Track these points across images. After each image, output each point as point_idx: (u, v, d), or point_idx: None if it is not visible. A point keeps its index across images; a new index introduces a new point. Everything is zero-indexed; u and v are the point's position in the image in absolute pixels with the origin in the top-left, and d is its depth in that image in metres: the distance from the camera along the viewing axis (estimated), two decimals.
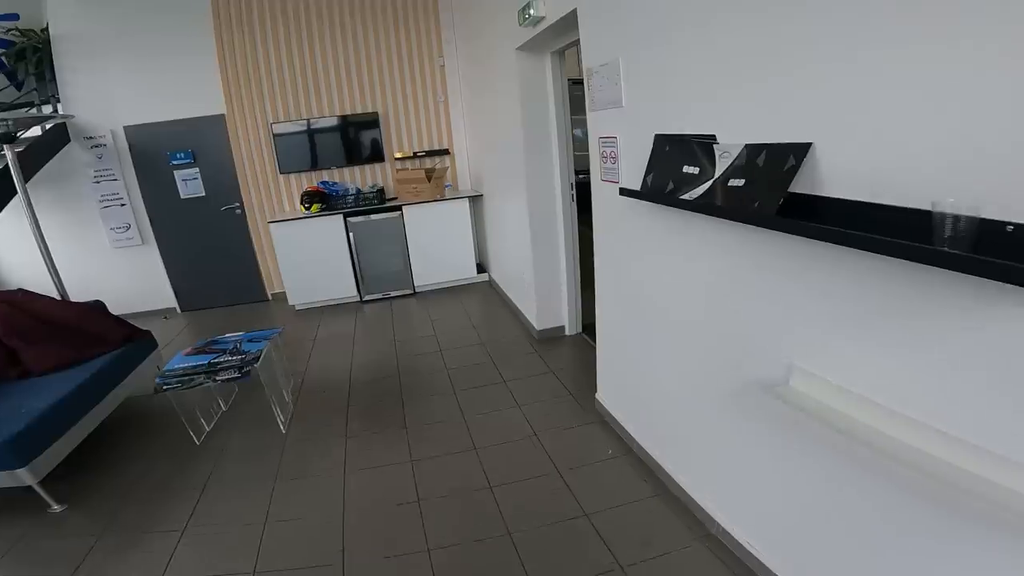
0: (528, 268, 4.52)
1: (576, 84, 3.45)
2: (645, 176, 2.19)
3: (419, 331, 5.11)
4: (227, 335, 3.89)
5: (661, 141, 2.12)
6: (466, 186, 6.48)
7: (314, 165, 6.05)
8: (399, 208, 5.74)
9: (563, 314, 4.60)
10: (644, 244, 2.46)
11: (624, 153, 2.49)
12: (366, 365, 4.49)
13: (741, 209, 1.63)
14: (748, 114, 1.68)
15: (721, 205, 1.73)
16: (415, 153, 6.21)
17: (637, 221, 2.47)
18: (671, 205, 2.02)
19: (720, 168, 1.76)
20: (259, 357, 3.42)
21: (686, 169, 1.93)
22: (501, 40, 4.17)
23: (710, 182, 1.80)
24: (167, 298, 6.40)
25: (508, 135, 4.43)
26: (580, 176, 4.07)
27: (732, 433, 2.05)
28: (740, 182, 1.66)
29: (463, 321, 5.24)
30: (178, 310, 6.46)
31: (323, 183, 5.82)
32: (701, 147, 1.87)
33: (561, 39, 3.59)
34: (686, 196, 1.90)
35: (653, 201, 2.13)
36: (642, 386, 2.77)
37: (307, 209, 5.66)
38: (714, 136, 1.82)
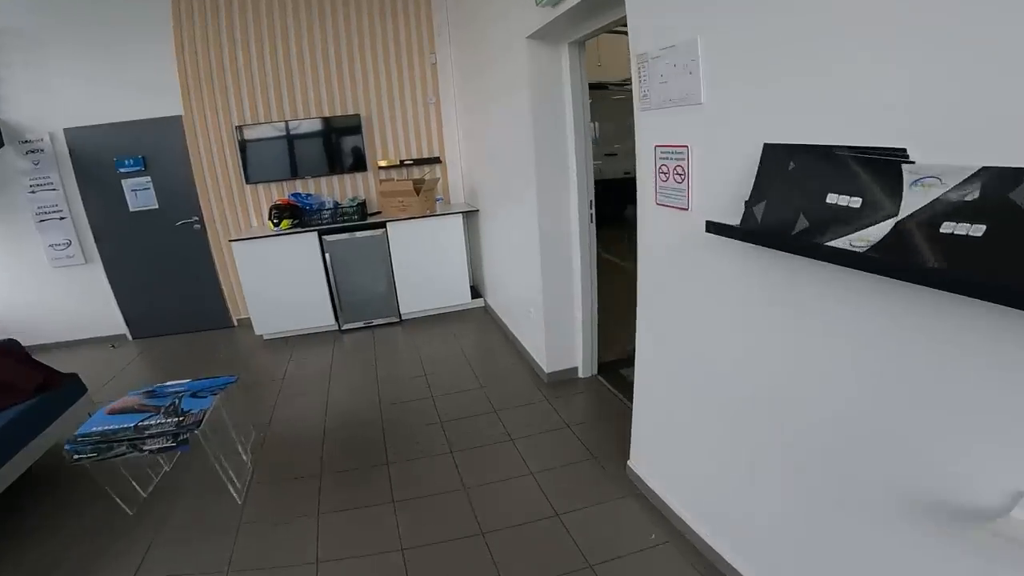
0: (536, 301, 3.81)
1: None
2: (749, 206, 1.48)
3: (406, 369, 4.37)
4: (168, 384, 3.14)
5: (778, 153, 1.42)
6: (459, 200, 5.75)
7: (286, 175, 5.28)
8: (383, 225, 4.99)
9: (577, 353, 3.90)
10: (738, 307, 1.75)
11: (700, 169, 1.79)
12: (343, 414, 3.75)
13: (982, 278, 0.93)
14: (987, 110, 0.98)
15: (926, 264, 1.03)
16: (402, 162, 5.47)
17: (723, 269, 1.76)
18: (805, 254, 1.31)
19: (913, 202, 1.07)
20: (201, 420, 2.67)
21: (834, 199, 1.23)
22: (507, 27, 3.47)
23: (888, 223, 1.11)
24: (116, 324, 5.59)
25: (513, 143, 3.73)
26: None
27: (883, 556, 1.35)
28: (973, 230, 0.97)
29: (457, 357, 4.51)
30: (129, 337, 5.65)
31: (295, 195, 5.06)
32: (869, 166, 1.17)
33: (586, 24, 2.90)
34: (836, 243, 1.20)
35: (767, 245, 1.43)
36: (701, 463, 2.07)
37: (276, 225, 4.89)
38: (903, 150, 1.12)
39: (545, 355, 3.87)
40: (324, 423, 3.63)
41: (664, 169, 1.96)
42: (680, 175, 1.87)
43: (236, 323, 5.72)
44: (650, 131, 2.03)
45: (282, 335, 5.24)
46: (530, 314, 4.04)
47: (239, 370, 4.63)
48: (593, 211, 3.55)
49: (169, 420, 2.67)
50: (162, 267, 5.48)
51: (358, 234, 4.98)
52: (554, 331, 3.81)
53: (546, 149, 3.40)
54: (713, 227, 1.61)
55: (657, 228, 2.11)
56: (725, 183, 1.64)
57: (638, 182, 2.19)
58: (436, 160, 5.56)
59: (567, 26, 2.96)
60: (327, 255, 4.97)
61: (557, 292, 3.71)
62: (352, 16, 5.18)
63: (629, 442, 2.76)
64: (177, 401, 2.89)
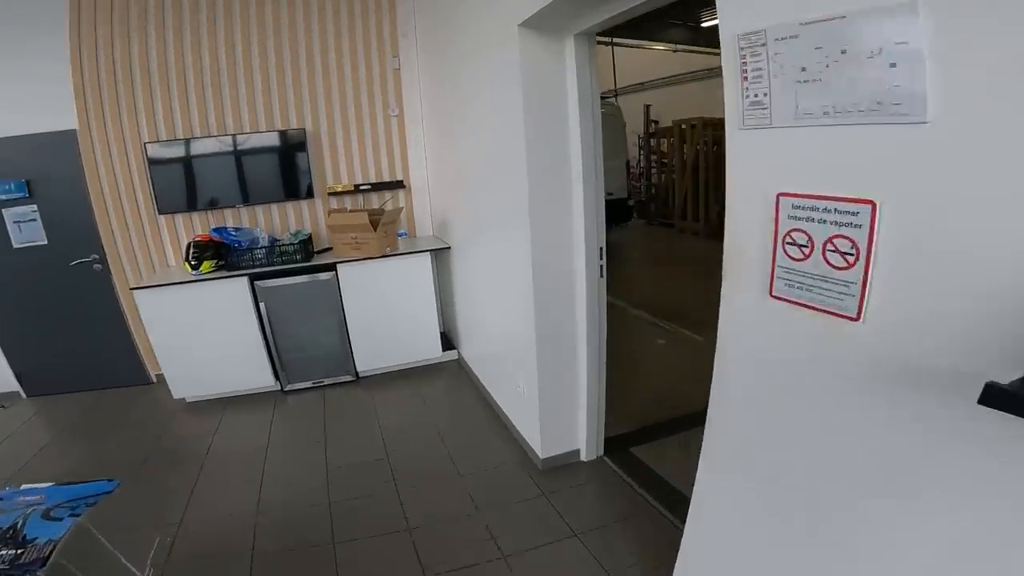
0: (527, 369, 2.91)
1: None
2: None
3: (363, 446, 3.43)
4: (23, 489, 2.10)
5: None
6: (427, 232, 4.80)
7: (210, 203, 4.26)
8: (332, 267, 4.01)
9: (579, 432, 3.03)
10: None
11: (899, 248, 0.89)
12: (281, 510, 2.85)
13: None
14: None
15: None
16: (357, 187, 4.50)
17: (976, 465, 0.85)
18: None
19: None
20: (47, 557, 1.65)
21: None
22: (493, 14, 2.57)
23: None
24: (4, 380, 4.47)
25: (499, 165, 2.83)
26: None
27: None
28: None
29: (427, 429, 3.57)
30: (22, 395, 4.54)
31: (220, 230, 4.02)
32: None
33: (599, 8, 2.02)
34: None
35: None
36: None
37: (195, 268, 3.87)
38: None
39: (540, 437, 2.97)
40: (255, 524, 2.72)
41: (796, 238, 1.06)
42: (849, 255, 0.97)
43: (155, 379, 4.64)
44: (767, 166, 1.13)
45: (209, 397, 4.20)
46: (519, 390, 3.12)
47: (150, 441, 3.67)
48: (604, 261, 2.65)
49: (5, 552, 1.64)
50: (58, 314, 4.38)
51: (301, 278, 3.98)
52: (551, 408, 2.91)
53: (544, 173, 2.51)
54: (1000, 396, 0.70)
55: (771, 336, 1.20)
56: (966, 285, 0.75)
57: (728, 249, 1.29)
58: (399, 185, 4.61)
59: (573, 11, 2.08)
60: (261, 304, 3.95)
61: (555, 356, 2.81)
62: (298, 14, 4.22)
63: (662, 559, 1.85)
64: (20, 523, 1.86)
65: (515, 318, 2.97)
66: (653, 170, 11.59)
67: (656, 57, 14.71)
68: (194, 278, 3.85)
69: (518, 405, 3.25)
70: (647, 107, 14.73)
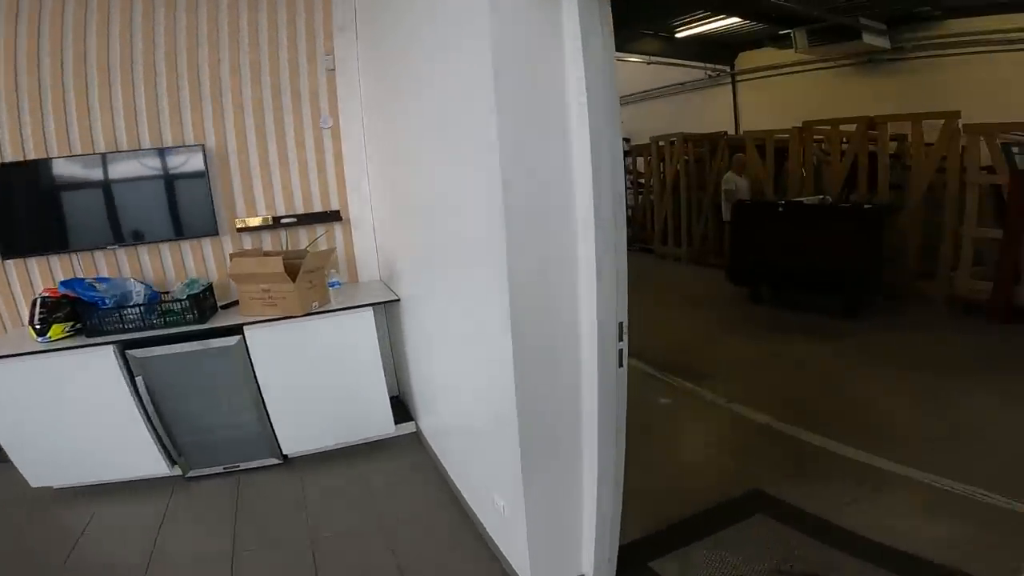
0: (507, 478, 1.94)
1: None
2: None
3: (285, 562, 2.47)
4: None
5: None
6: (371, 274, 3.79)
7: (75, 244, 3.18)
8: (237, 329, 2.97)
9: (584, 551, 2.10)
10: None
11: None
12: None
13: None
14: None
15: None
16: (277, 220, 3.48)
17: None
18: None
19: None
20: None
21: None
22: None
23: None
24: None
25: (458, 195, 1.88)
26: None
27: None
28: None
29: (371, 535, 2.62)
30: None
31: (71, 283, 2.90)
32: None
33: None
34: None
35: None
36: None
37: (41, 334, 2.79)
38: None
39: (528, 562, 1.99)
40: None
41: None
42: None
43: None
44: None
45: (83, 484, 3.11)
46: (498, 507, 2.15)
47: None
48: (625, 343, 1.71)
49: None
50: None
51: (193, 345, 2.93)
52: (544, 525, 1.94)
53: (530, 214, 1.57)
54: None
55: None
56: None
57: None
58: (334, 217, 3.61)
59: None
60: (138, 379, 2.89)
61: (548, 458, 1.85)
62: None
63: None
64: None
65: (490, 411, 2.01)
66: (629, 190, 10.87)
67: (628, 71, 14.14)
68: (41, 347, 2.77)
69: (499, 522, 2.28)
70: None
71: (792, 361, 4.50)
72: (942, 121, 5.45)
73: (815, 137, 6.80)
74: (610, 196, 1.61)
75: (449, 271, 2.27)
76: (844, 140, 6.39)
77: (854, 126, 6.13)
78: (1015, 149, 5.00)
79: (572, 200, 1.64)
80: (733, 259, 6.36)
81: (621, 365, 1.72)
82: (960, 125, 5.36)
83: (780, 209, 5.75)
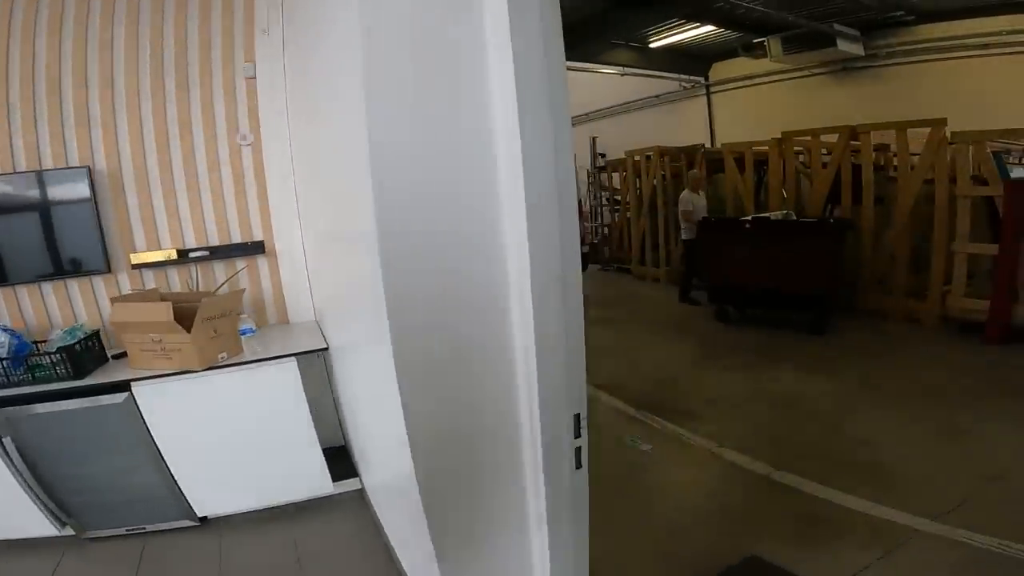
0: None
1: None
2: None
3: None
4: None
5: None
6: (304, 315, 3.27)
7: None
8: (124, 386, 2.44)
9: None
10: None
11: None
12: None
13: None
14: None
15: None
16: (184, 253, 2.96)
17: None
18: None
19: None
20: None
21: None
22: None
23: None
24: None
25: (344, 210, 1.41)
26: None
27: None
28: None
29: None
30: None
31: None
32: None
33: None
34: None
35: None
36: None
37: None
38: None
39: None
40: None
41: None
42: None
43: None
44: None
45: None
46: None
47: None
48: (583, 438, 1.24)
49: None
50: None
51: (70, 403, 2.40)
52: None
53: (418, 236, 1.11)
54: None
55: None
56: None
57: None
58: (257, 248, 3.10)
59: None
60: (5, 440, 2.35)
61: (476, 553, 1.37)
62: None
63: None
64: None
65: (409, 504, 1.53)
66: (605, 207, 10.51)
67: (601, 84, 13.87)
68: None
69: None
70: (593, 139, 13.82)
71: (781, 395, 4.09)
72: (928, 129, 5.15)
73: (795, 149, 6.48)
74: (556, 226, 1.16)
75: (350, 320, 1.79)
76: (825, 151, 6.08)
77: (836, 136, 5.82)
78: (1008, 158, 4.70)
79: (495, 220, 1.17)
80: (686, 279, 6.60)
81: (580, 466, 1.24)
82: (947, 133, 5.06)
83: (747, 226, 5.56)
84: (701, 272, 6.35)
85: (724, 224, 6.00)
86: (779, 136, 6.28)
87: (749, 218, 5.78)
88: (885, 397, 3.88)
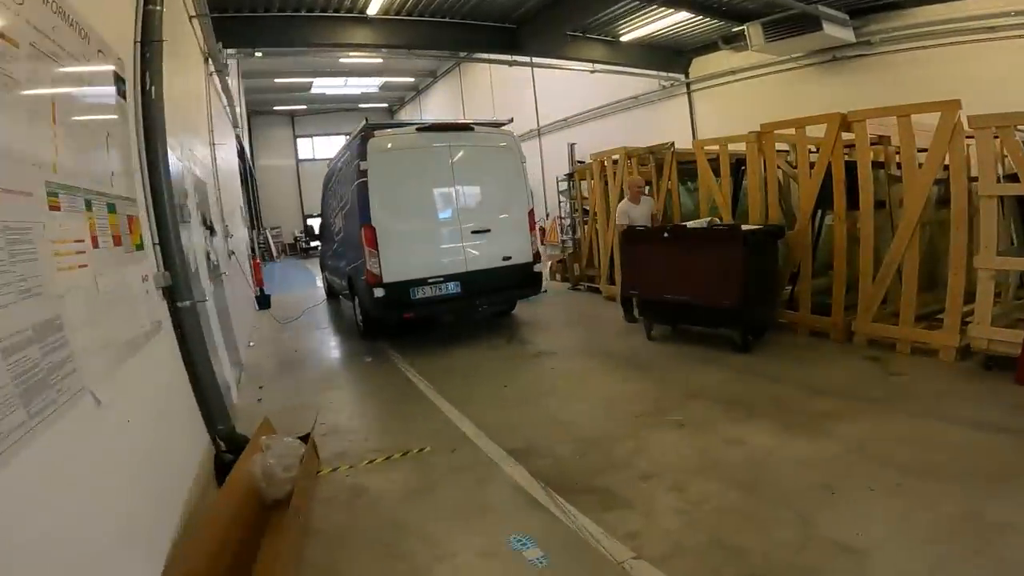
0: None
1: None
2: None
3: None
4: None
5: None
6: None
7: None
8: None
9: None
10: None
11: None
12: None
13: None
14: None
15: None
16: None
17: None
18: None
19: None
20: None
21: None
22: None
23: None
24: None
25: None
26: None
27: None
28: None
29: None
30: None
31: None
32: None
33: None
34: None
35: None
36: None
37: None
38: None
39: None
40: None
41: None
42: None
43: None
44: None
45: None
46: None
47: None
48: None
49: None
50: None
51: None
52: None
53: None
54: None
55: None
56: None
57: None
58: None
59: None
60: None
61: None
62: None
63: None
64: None
65: None
66: (575, 215, 9.50)
67: (578, 88, 12.98)
68: None
69: None
70: (571, 146, 12.87)
71: (744, 462, 3.01)
72: (937, 114, 4.12)
73: (778, 146, 5.46)
74: None
75: None
76: (814, 148, 5.08)
77: (824, 127, 4.81)
78: None
79: None
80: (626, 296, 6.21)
81: None
82: (962, 119, 4.03)
83: (665, 235, 5.26)
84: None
85: (645, 235, 5.57)
86: (758, 130, 5.27)
87: (669, 227, 5.56)
88: (885, 470, 2.81)
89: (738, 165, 5.69)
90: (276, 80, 18.31)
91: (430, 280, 5.61)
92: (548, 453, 3.32)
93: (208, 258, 5.07)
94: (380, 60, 14.01)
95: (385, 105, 24.89)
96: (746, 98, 9.53)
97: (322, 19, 7.72)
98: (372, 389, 5.00)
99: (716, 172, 5.88)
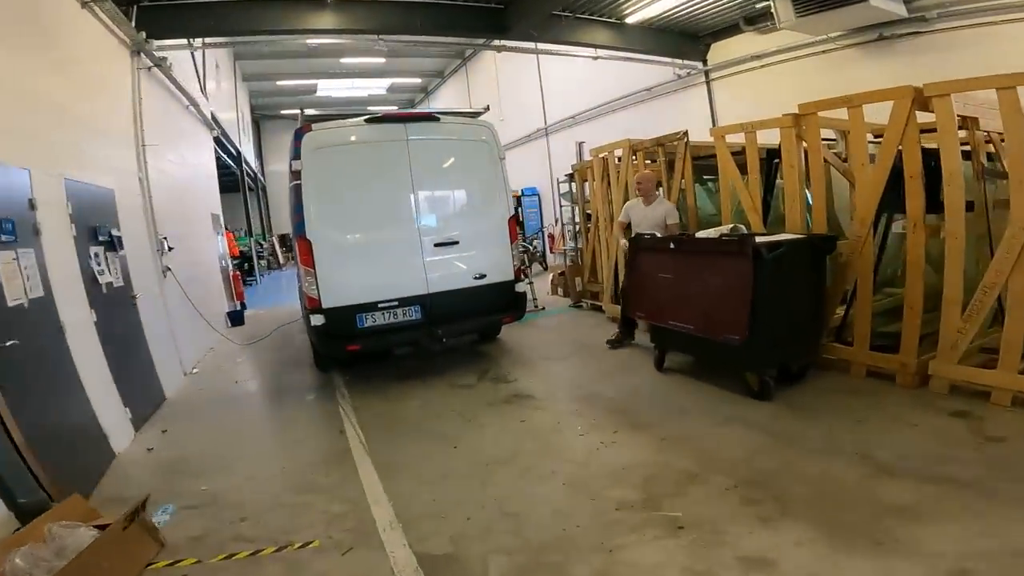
0: None
1: None
2: None
3: None
4: None
5: None
6: None
7: None
8: None
9: None
10: None
11: None
12: None
13: None
14: None
15: None
16: None
17: None
18: None
19: None
20: None
21: None
22: None
23: None
24: None
25: None
26: None
27: None
28: None
29: None
30: None
31: None
32: None
33: None
34: None
35: None
36: None
37: None
38: None
39: None
40: None
41: None
42: None
43: None
44: None
45: None
46: None
47: None
48: None
49: None
50: None
51: None
52: None
53: None
54: None
55: None
56: None
57: None
58: None
59: None
60: None
61: None
62: None
63: None
64: None
65: None
66: (578, 226, 8.36)
67: (584, 82, 11.86)
68: None
69: None
70: (579, 144, 11.79)
71: None
72: None
73: (824, 136, 4.25)
74: None
75: None
76: (874, 137, 3.88)
77: (885, 109, 3.60)
78: None
79: None
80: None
81: None
82: None
83: (672, 246, 4.27)
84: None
85: (650, 244, 4.55)
86: (795, 112, 4.06)
87: (681, 236, 4.57)
88: None
89: (770, 158, 4.49)
90: (279, 83, 17.79)
91: (381, 305, 4.51)
92: (476, 569, 2.21)
93: (96, 279, 4.06)
94: (376, 59, 13.23)
95: (395, 108, 24.10)
96: (775, 86, 8.25)
97: (271, 4, 6.72)
98: (292, 442, 3.96)
99: (742, 169, 4.69)
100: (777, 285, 3.45)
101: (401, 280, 4.59)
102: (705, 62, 9.45)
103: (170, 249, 6.23)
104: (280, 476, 3.34)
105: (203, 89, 9.99)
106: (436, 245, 4.68)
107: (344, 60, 15.65)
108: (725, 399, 3.81)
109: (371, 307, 4.49)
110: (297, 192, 4.41)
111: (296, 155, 4.39)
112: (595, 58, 9.05)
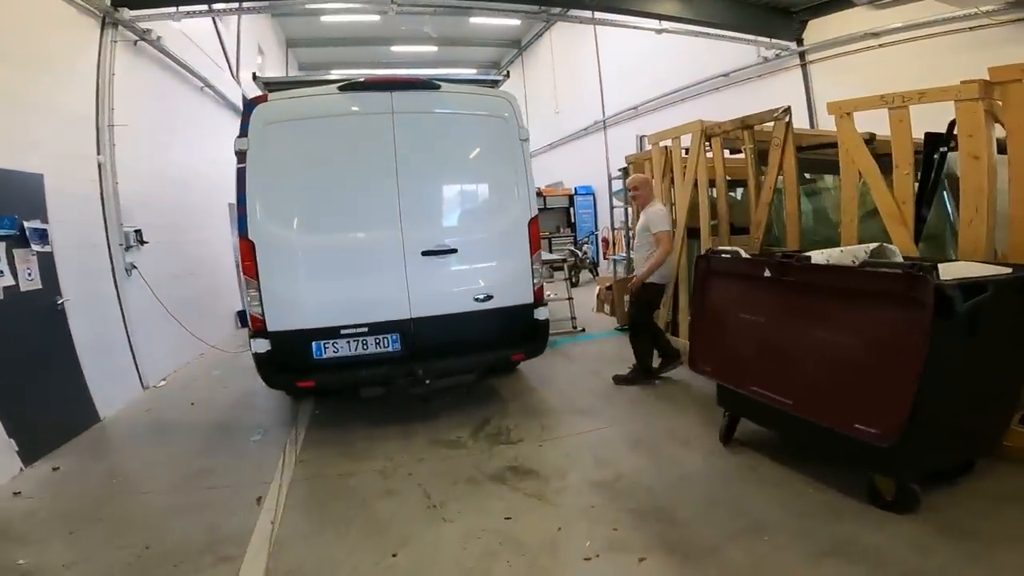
0: None
1: None
2: None
3: None
4: None
5: None
6: None
7: None
8: None
9: None
10: None
11: None
12: None
13: None
14: None
15: None
16: None
17: None
18: None
19: None
20: None
21: None
22: None
23: None
24: None
25: None
26: None
27: None
28: None
29: None
30: None
31: None
32: None
33: None
34: None
35: None
36: None
37: None
38: None
39: None
40: None
41: None
42: None
43: None
44: None
45: None
46: None
47: None
48: None
49: None
50: None
51: None
52: None
53: None
54: None
55: None
56: None
57: None
58: None
59: None
60: None
61: None
62: None
63: None
64: None
65: None
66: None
67: (651, 67, 10.45)
68: None
69: None
70: (640, 138, 10.39)
71: None
72: None
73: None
74: None
75: None
76: None
77: None
78: None
79: None
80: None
81: None
82: None
83: (768, 273, 2.77)
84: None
85: (736, 268, 3.06)
86: (985, 79, 2.56)
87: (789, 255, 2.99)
88: None
89: (931, 148, 2.97)
90: (332, 73, 17.56)
91: (345, 331, 3.33)
92: None
93: None
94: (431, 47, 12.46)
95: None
96: (892, 70, 6.51)
97: None
98: (187, 506, 2.96)
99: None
100: (967, 352, 2.01)
101: (375, 299, 3.40)
102: (800, 41, 7.82)
103: (144, 243, 5.32)
104: (123, 568, 2.28)
105: (234, 74, 9.28)
106: (425, 254, 3.44)
107: (394, 49, 15.19)
108: (831, 505, 2.45)
109: (331, 333, 3.33)
110: (241, 179, 3.29)
111: (244, 131, 3.28)
112: (659, 31, 7.59)
